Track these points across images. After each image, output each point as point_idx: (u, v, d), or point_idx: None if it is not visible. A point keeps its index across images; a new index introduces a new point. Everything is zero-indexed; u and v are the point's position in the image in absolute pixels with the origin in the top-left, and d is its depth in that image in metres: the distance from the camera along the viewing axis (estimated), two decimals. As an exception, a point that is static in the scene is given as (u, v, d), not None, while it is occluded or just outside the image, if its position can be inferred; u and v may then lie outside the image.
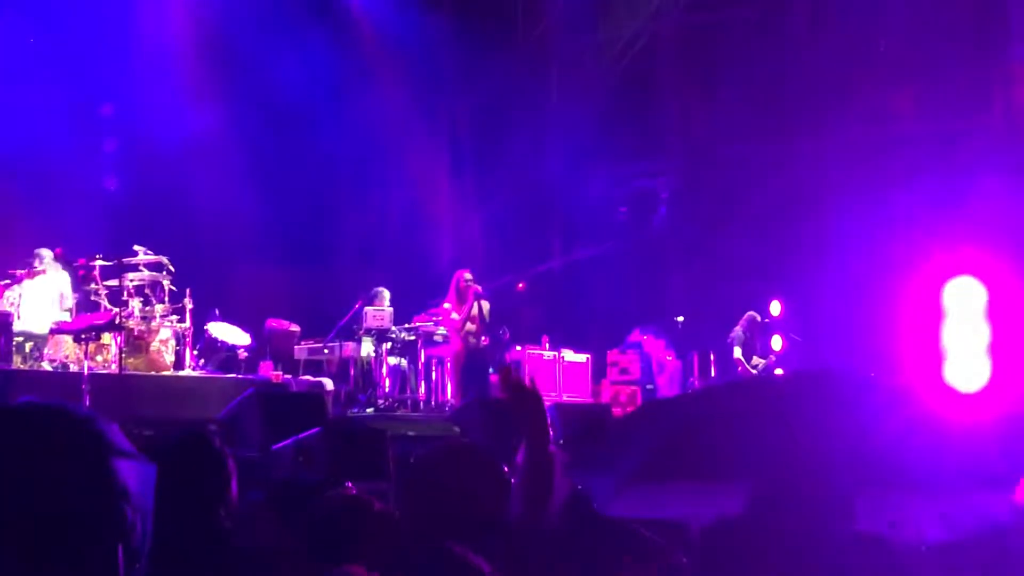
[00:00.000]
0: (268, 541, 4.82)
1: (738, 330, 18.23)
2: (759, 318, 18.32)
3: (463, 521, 3.93)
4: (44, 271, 15.10)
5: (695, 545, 4.35)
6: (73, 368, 14.06)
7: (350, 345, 17.40)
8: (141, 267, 15.54)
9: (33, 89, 18.27)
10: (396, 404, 17.05)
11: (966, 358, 16.39)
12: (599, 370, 19.70)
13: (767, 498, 3.82)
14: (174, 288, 15.74)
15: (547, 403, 15.42)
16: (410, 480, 4.38)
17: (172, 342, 15.51)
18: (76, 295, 15.34)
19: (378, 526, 4.68)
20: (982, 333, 16.59)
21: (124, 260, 14.90)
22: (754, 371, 18.00)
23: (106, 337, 14.44)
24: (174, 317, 15.66)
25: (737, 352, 18.05)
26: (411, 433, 13.01)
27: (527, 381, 4.13)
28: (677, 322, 19.95)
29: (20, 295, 14.90)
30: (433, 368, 17.31)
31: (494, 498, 4.07)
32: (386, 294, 17.70)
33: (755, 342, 18.30)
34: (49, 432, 2.36)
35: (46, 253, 15.21)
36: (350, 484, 5.19)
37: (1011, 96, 18.97)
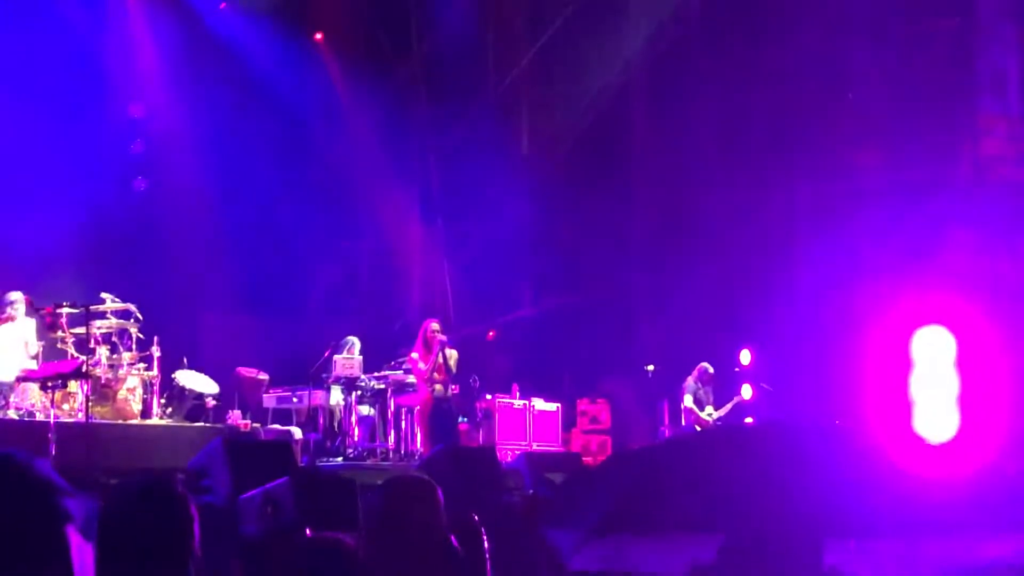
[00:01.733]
0: None
1: (689, 380, 18.33)
2: (711, 370, 18.43)
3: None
4: (13, 317, 14.97)
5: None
6: (39, 416, 13.92)
7: (319, 394, 17.32)
8: (108, 314, 15.45)
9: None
10: (365, 453, 16.97)
11: (935, 408, 16.45)
12: (569, 419, 19.69)
13: (736, 548, 3.81)
14: (142, 336, 15.65)
15: (517, 452, 15.41)
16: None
17: (139, 390, 15.40)
18: (42, 342, 15.22)
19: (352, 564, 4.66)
20: (951, 383, 16.65)
21: (91, 307, 14.81)
22: (709, 419, 18.07)
23: (73, 385, 14.31)
24: (141, 365, 15.55)
25: (688, 401, 18.15)
26: (380, 482, 12.93)
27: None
28: (648, 371, 19.96)
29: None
30: (403, 417, 17.25)
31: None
32: (356, 343, 17.65)
33: (708, 394, 18.40)
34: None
35: (18, 297, 15.08)
36: (309, 532, 5.16)
37: (978, 148, 19.13)
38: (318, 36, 22.53)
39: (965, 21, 19.19)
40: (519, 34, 23.04)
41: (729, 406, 18.19)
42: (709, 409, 18.18)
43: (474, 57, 22.95)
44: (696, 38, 21.36)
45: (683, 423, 18.84)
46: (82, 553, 2.50)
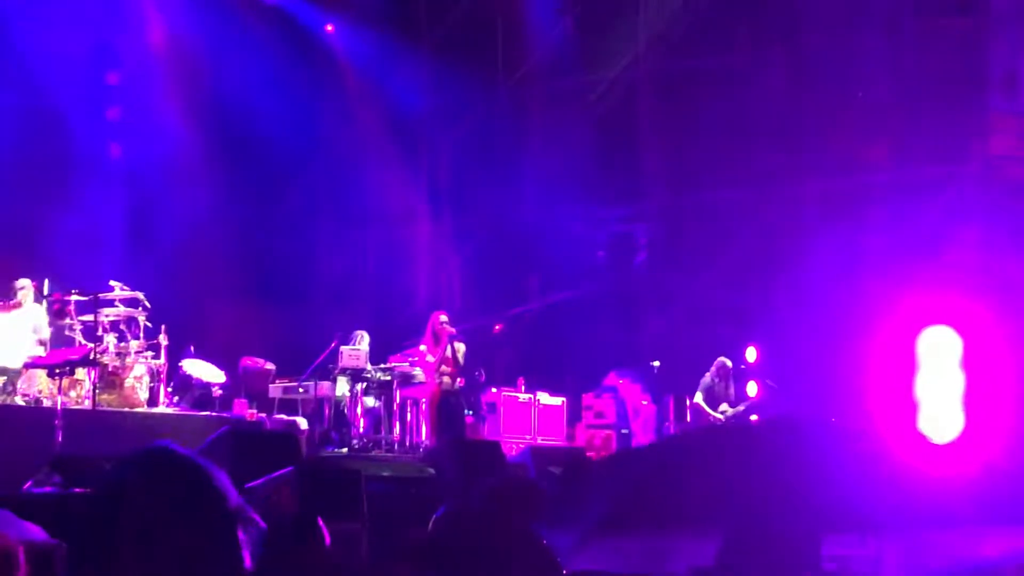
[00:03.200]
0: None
1: (706, 376, 18.27)
2: (729, 364, 18.34)
3: None
4: (21, 304, 15.00)
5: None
6: (46, 403, 13.97)
7: (325, 384, 17.34)
8: (117, 302, 15.47)
9: None
10: (370, 444, 16.99)
11: (940, 407, 16.45)
12: (574, 413, 19.69)
13: (737, 546, 3.82)
14: (149, 324, 15.67)
15: (521, 445, 15.45)
16: None
17: (146, 378, 15.42)
18: (51, 329, 15.26)
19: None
20: (956, 383, 16.65)
21: (100, 295, 14.84)
22: (721, 417, 18.03)
23: (80, 372, 14.35)
24: (149, 353, 15.57)
25: (698, 397, 18.10)
26: (385, 473, 12.96)
27: None
28: (653, 367, 19.94)
29: (-5, 328, 14.81)
30: (408, 409, 17.26)
31: None
32: (366, 337, 17.68)
33: (727, 388, 18.33)
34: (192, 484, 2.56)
35: (26, 284, 15.12)
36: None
37: (988, 146, 19.10)
38: (329, 28, 22.55)
39: (976, 19, 19.16)
40: (530, 26, 23.02)
41: (742, 407, 18.15)
42: (724, 406, 18.13)
43: (484, 49, 22.96)
44: (706, 32, 21.32)
45: (688, 418, 18.84)
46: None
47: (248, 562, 2.52)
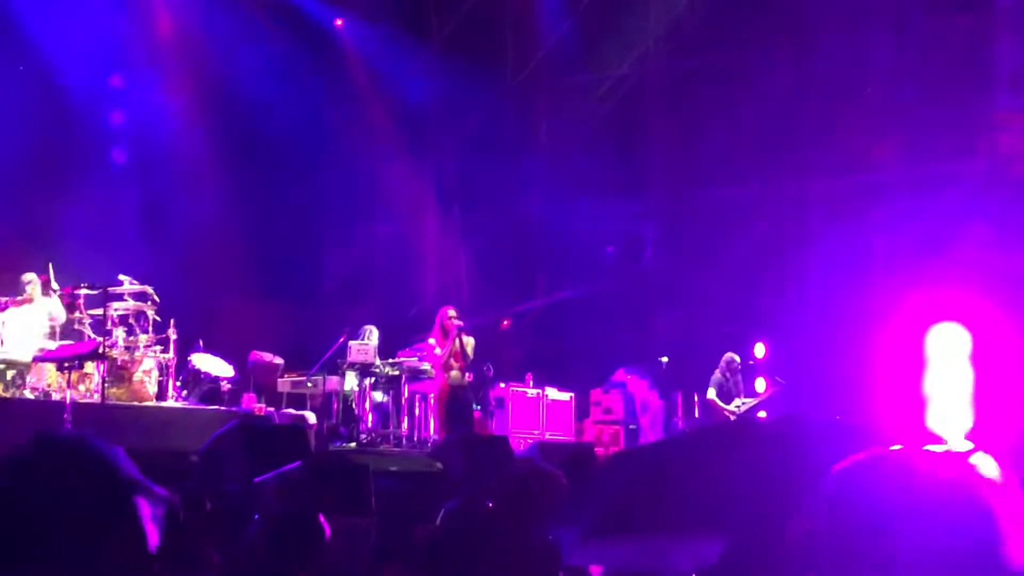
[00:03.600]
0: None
1: (716, 373, 18.26)
2: (737, 360, 18.32)
3: None
4: (31, 298, 15.05)
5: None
6: (55, 397, 14.01)
7: (334, 379, 17.38)
8: (126, 296, 15.52)
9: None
10: (378, 439, 17.02)
11: (949, 404, 16.43)
12: (582, 409, 19.71)
13: (742, 547, 3.84)
14: (158, 318, 15.72)
15: (529, 441, 15.43)
16: None
17: (155, 372, 15.46)
18: (67, 315, 15.31)
19: None
20: (965, 379, 16.63)
21: (109, 289, 14.89)
22: (737, 410, 18.00)
23: (89, 366, 14.40)
24: (158, 347, 15.62)
25: (711, 394, 18.07)
26: (393, 468, 12.98)
27: None
28: (661, 362, 19.95)
29: (3, 322, 14.85)
30: (416, 403, 17.29)
31: None
32: (375, 332, 17.70)
33: (737, 384, 18.31)
34: (79, 463, 2.52)
35: (33, 278, 15.16)
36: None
37: (994, 143, 19.09)
38: (338, 22, 22.57)
39: (983, 17, 19.16)
40: (538, 24, 23.03)
41: (753, 402, 18.14)
42: (738, 401, 18.11)
43: (493, 45, 22.97)
44: (713, 30, 21.33)
45: (696, 414, 18.84)
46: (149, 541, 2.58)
47: (154, 537, 2.48)
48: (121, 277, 15.55)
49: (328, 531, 5.00)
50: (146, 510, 2.55)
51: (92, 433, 2.62)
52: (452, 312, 16.65)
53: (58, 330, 15.14)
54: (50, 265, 15.33)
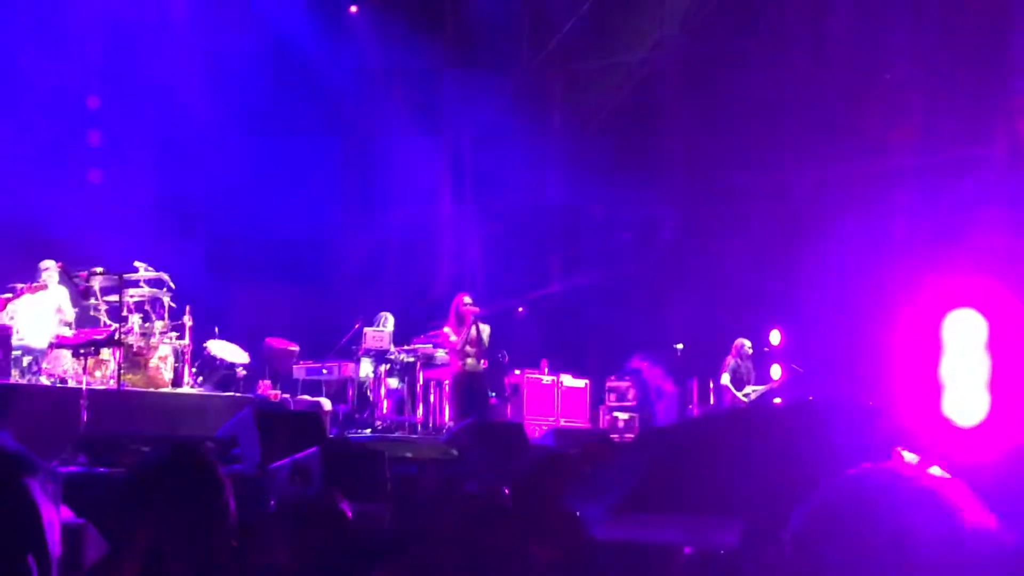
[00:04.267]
0: (280, 558, 4.82)
1: (729, 358, 18.26)
2: (748, 346, 18.32)
3: None
4: (46, 285, 15.07)
5: (684, 572, 4.35)
6: (71, 383, 14.04)
7: (349, 366, 17.39)
8: (141, 283, 15.55)
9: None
10: (394, 426, 17.04)
11: (965, 391, 16.37)
12: (597, 396, 19.70)
13: (760, 531, 3.82)
14: (174, 305, 15.75)
15: (545, 428, 15.41)
16: None
17: (171, 359, 15.50)
18: (75, 310, 15.34)
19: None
20: (982, 366, 16.56)
21: (125, 276, 14.90)
22: (746, 399, 18.00)
23: (105, 353, 14.43)
24: (173, 334, 15.65)
25: (724, 379, 18.07)
26: (408, 455, 12.98)
27: None
28: (676, 349, 19.93)
29: (19, 308, 14.87)
30: (431, 390, 17.31)
31: None
32: (391, 319, 17.72)
33: (750, 370, 18.31)
34: None
35: (51, 265, 15.19)
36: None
37: (1013, 129, 19.01)
38: (353, 8, 22.55)
39: (1001, 2, 19.06)
40: (553, 9, 22.98)
41: (763, 388, 18.14)
42: (748, 388, 18.11)
43: (508, 32, 22.93)
44: (730, 15, 21.26)
45: (711, 401, 18.82)
46: (51, 530, 2.51)
47: (51, 514, 2.42)
48: (137, 264, 15.57)
49: (350, 514, 5.00)
50: (36, 489, 2.48)
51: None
52: (467, 299, 16.66)
53: (72, 323, 15.17)
54: (52, 264, 15.33)
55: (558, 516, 4.50)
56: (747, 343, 18.30)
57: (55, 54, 18.53)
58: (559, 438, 13.73)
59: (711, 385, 18.92)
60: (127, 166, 19.44)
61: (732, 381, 18.07)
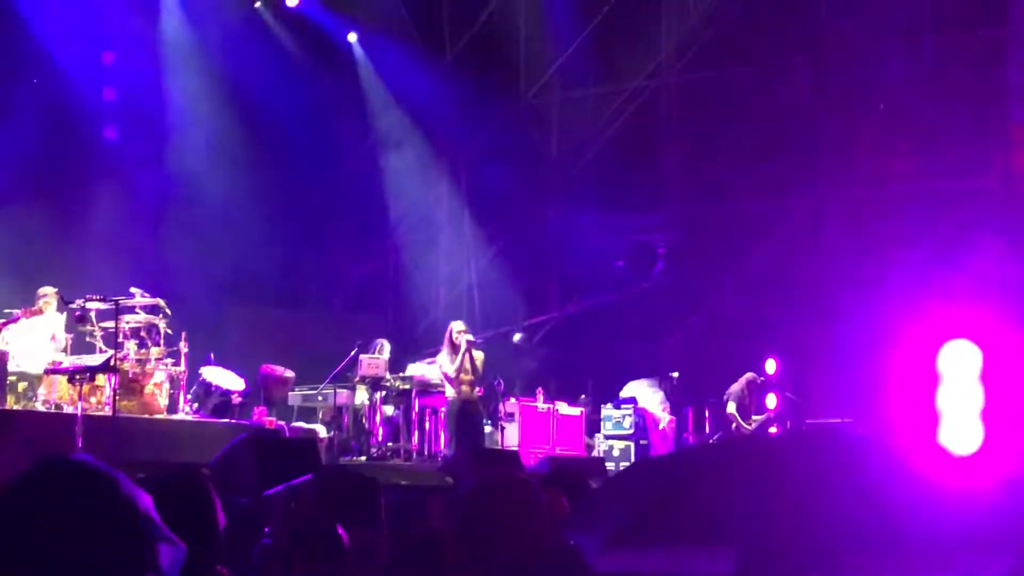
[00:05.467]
0: None
1: (735, 387, 18.20)
2: (759, 380, 18.30)
3: None
4: (42, 311, 15.06)
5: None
6: (67, 409, 14.01)
7: (344, 393, 17.37)
8: (137, 309, 15.53)
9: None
10: (389, 453, 17.01)
11: (960, 421, 16.37)
12: (593, 424, 19.67)
13: (754, 562, 3.81)
14: (170, 331, 15.73)
15: (540, 456, 15.38)
16: None
17: (166, 385, 15.47)
18: (70, 335, 15.33)
19: None
20: (976, 396, 16.56)
21: (120, 302, 14.89)
22: (750, 428, 17.97)
23: (100, 379, 14.39)
24: (169, 360, 15.63)
25: (731, 408, 18.02)
26: (403, 482, 12.98)
27: None
28: (672, 377, 19.90)
29: (13, 334, 14.85)
30: (427, 417, 17.29)
31: None
32: (387, 346, 17.73)
33: (753, 402, 18.29)
34: (98, 500, 2.38)
35: (49, 291, 15.19)
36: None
37: (1009, 158, 19.05)
38: (351, 36, 22.62)
39: (998, 32, 19.13)
40: (551, 37, 23.04)
41: (761, 419, 18.13)
42: (754, 418, 18.10)
43: (506, 59, 22.99)
44: (727, 43, 21.31)
45: (707, 431, 18.82)
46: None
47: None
48: (133, 290, 15.56)
49: (346, 540, 5.00)
50: (166, 560, 2.44)
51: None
52: (461, 326, 16.67)
53: (67, 350, 15.16)
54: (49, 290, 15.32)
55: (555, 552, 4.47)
56: (759, 379, 18.29)
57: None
58: (554, 466, 13.72)
59: (706, 413, 18.89)
60: (126, 193, 19.42)
61: (738, 410, 18.04)
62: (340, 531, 5.13)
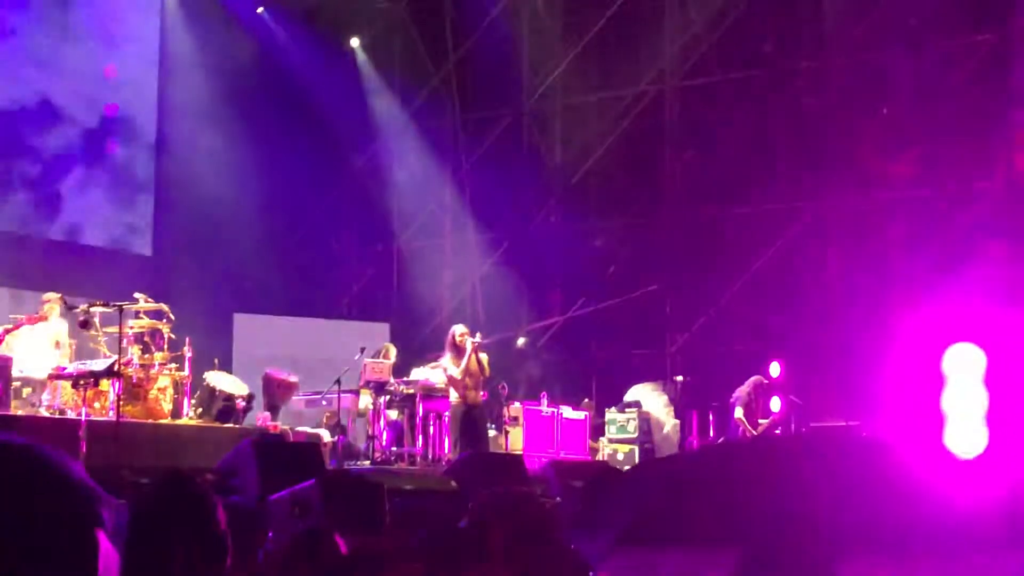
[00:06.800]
0: None
1: (743, 391, 18.16)
2: (765, 382, 18.26)
3: None
4: (46, 317, 15.08)
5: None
6: (71, 414, 14.01)
7: (348, 397, 17.36)
8: (141, 314, 15.53)
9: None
10: (393, 457, 17.00)
11: (965, 423, 16.34)
12: (597, 428, 19.66)
13: (756, 562, 3.82)
14: (173, 336, 15.73)
15: (544, 460, 15.38)
16: None
17: (170, 390, 15.46)
18: (74, 340, 15.34)
19: None
20: (981, 399, 16.53)
21: (124, 307, 14.89)
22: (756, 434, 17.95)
23: (104, 384, 14.38)
24: (173, 365, 15.62)
25: (739, 413, 17.98)
26: (408, 487, 12.97)
27: None
28: (677, 381, 19.89)
29: (17, 340, 14.86)
30: (431, 422, 17.27)
31: None
32: (393, 350, 17.73)
33: (759, 405, 18.26)
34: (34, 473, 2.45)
35: (53, 297, 15.21)
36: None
37: (1012, 161, 19.03)
38: (353, 43, 22.64)
39: (1000, 36, 19.12)
40: (553, 42, 23.06)
41: (767, 423, 18.10)
42: (762, 422, 18.08)
43: (508, 64, 22.99)
44: (730, 49, 21.31)
45: (711, 434, 18.81)
46: (108, 560, 2.52)
47: (105, 543, 2.43)
48: (136, 295, 15.57)
49: (344, 548, 4.99)
50: (108, 516, 2.51)
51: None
52: (463, 329, 16.69)
53: (72, 349, 15.17)
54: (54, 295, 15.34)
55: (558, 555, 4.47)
56: (764, 380, 18.25)
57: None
58: (558, 470, 13.72)
59: (711, 417, 18.88)
60: (130, 198, 19.44)
61: (745, 414, 18.00)
62: (337, 539, 5.10)
